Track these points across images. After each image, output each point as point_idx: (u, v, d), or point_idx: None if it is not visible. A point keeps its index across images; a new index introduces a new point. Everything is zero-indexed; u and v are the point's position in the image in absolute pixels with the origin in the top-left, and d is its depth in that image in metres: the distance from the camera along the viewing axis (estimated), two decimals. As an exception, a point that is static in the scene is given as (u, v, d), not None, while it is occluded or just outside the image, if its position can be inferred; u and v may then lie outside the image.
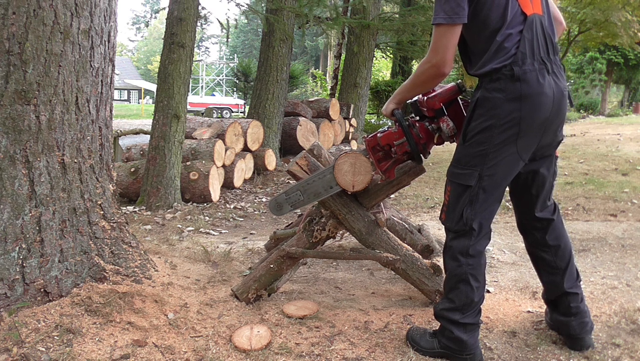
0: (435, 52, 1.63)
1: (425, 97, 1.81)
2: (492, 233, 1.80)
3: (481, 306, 1.79)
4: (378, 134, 1.94)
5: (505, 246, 3.25)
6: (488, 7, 1.61)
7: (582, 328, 1.85)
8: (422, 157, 1.92)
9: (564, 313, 1.87)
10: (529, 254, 1.97)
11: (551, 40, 1.67)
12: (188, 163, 5.06)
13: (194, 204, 4.87)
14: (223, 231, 4.01)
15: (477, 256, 1.73)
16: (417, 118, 1.90)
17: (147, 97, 38.11)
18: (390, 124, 1.98)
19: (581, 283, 1.91)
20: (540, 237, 1.87)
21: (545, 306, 2.03)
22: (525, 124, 1.61)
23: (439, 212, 1.85)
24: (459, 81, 1.81)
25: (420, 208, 4.60)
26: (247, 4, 7.77)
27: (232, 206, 4.96)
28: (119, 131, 6.74)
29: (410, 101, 1.89)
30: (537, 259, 1.93)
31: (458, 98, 1.83)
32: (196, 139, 5.52)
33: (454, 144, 1.85)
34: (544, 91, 1.61)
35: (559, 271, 1.86)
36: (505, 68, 1.61)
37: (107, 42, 2.19)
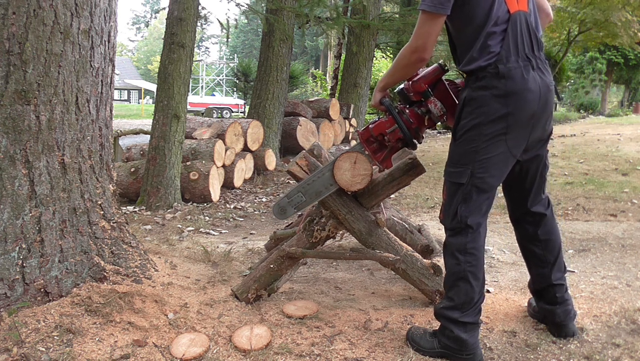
0: (417, 37, 1.69)
1: (410, 82, 1.85)
2: (491, 232, 1.81)
3: (481, 306, 1.79)
4: (370, 126, 1.97)
5: (505, 246, 3.25)
6: (475, 3, 1.64)
7: (566, 316, 1.93)
8: (416, 143, 1.94)
9: (550, 302, 1.94)
10: (519, 246, 2.02)
11: (536, 37, 1.70)
12: (188, 163, 5.06)
13: (194, 204, 4.87)
14: (223, 231, 4.01)
15: (476, 253, 1.74)
16: (407, 105, 1.93)
17: (147, 97, 38.09)
18: (380, 116, 2.00)
19: (567, 274, 1.99)
20: (532, 231, 1.92)
21: (527, 298, 2.06)
22: (512, 120, 1.64)
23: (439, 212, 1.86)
24: (441, 61, 1.84)
25: (420, 208, 4.60)
26: (247, 4, 7.76)
27: (232, 206, 4.96)
28: (119, 131, 6.74)
29: (397, 90, 1.93)
30: (526, 251, 1.99)
31: (443, 78, 1.86)
32: (196, 139, 5.52)
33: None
34: (528, 87, 1.63)
35: (548, 264, 1.92)
36: (490, 66, 1.64)
37: (107, 42, 2.19)
